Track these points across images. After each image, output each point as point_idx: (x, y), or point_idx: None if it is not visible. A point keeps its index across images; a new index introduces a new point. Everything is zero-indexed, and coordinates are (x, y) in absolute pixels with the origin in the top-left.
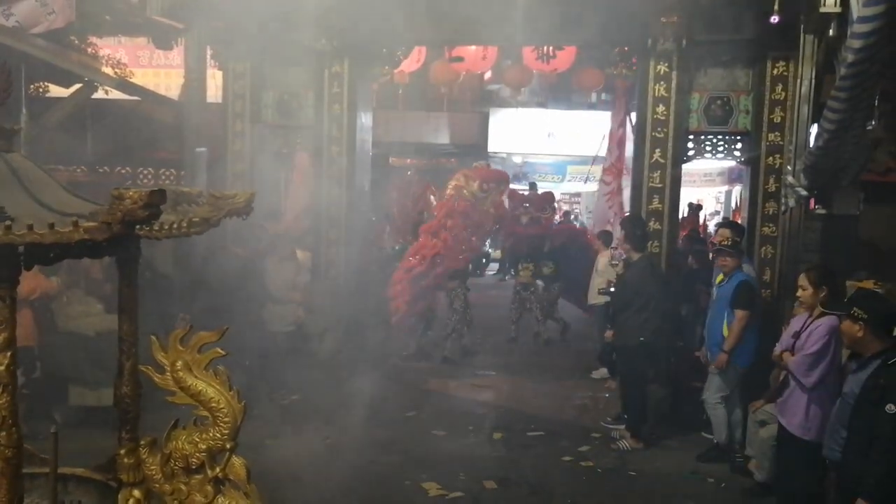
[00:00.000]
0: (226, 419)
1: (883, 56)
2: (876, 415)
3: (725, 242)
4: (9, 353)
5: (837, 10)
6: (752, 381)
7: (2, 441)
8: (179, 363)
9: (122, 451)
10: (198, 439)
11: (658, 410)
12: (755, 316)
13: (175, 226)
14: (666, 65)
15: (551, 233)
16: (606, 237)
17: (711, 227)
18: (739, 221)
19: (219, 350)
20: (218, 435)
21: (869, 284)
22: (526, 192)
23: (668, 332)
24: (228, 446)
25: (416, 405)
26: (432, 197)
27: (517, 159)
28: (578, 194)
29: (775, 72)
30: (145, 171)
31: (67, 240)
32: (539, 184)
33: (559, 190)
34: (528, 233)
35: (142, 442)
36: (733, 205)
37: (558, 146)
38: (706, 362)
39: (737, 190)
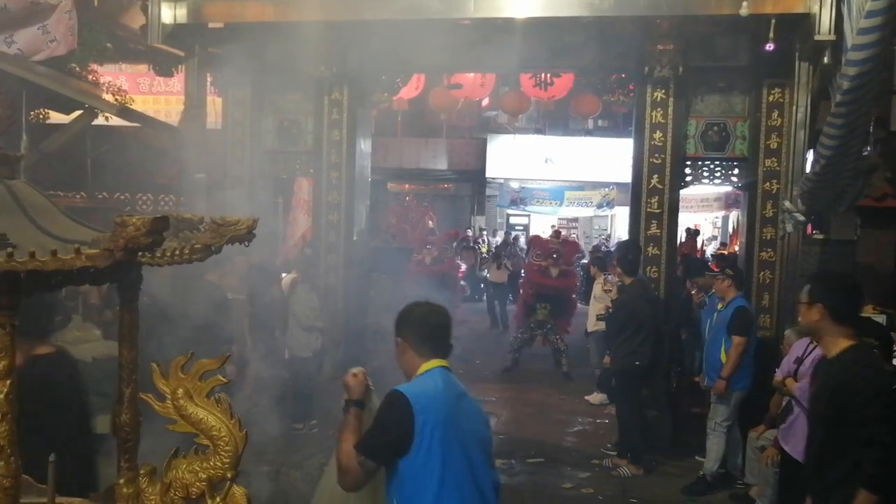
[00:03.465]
0: (227, 448)
1: (877, 83)
2: None
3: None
4: (8, 382)
5: (832, 37)
6: (750, 406)
7: (0, 471)
8: (180, 391)
9: (122, 481)
10: (198, 468)
11: (658, 436)
12: (752, 340)
13: (177, 252)
14: (663, 91)
15: (577, 287)
16: (601, 263)
17: (709, 253)
18: (737, 246)
19: (220, 377)
20: (219, 464)
21: (868, 309)
22: (552, 242)
23: (666, 356)
24: (229, 475)
25: None
26: (431, 223)
27: (515, 185)
28: (576, 219)
29: (771, 98)
30: (144, 197)
31: (69, 267)
32: (537, 209)
33: (557, 215)
34: (557, 285)
35: (141, 471)
36: (730, 229)
37: (556, 172)
38: (705, 388)
39: (734, 215)
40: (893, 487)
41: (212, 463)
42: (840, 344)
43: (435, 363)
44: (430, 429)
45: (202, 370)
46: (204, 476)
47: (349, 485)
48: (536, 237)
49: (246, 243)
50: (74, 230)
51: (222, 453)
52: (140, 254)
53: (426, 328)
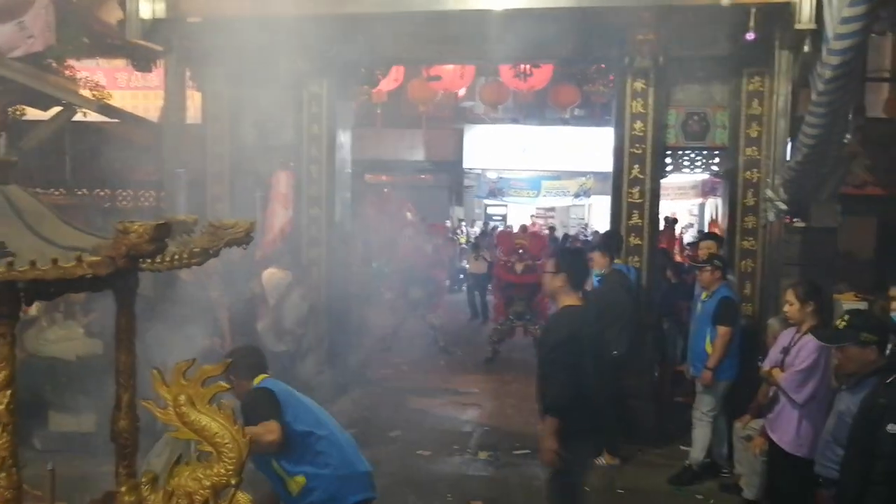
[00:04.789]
0: (231, 454)
1: (858, 72)
2: (876, 434)
3: (712, 252)
4: (8, 392)
5: (812, 26)
6: (735, 395)
7: (1, 483)
8: (182, 397)
9: (123, 489)
10: (202, 475)
11: (642, 426)
12: (737, 330)
13: (176, 257)
14: (643, 81)
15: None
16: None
17: (687, 240)
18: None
19: (223, 384)
20: (222, 471)
21: (849, 297)
22: (517, 237)
23: (649, 346)
24: (233, 482)
25: (400, 425)
26: (409, 214)
27: (492, 175)
28: (553, 209)
29: (751, 87)
30: (124, 193)
31: (71, 275)
32: (514, 199)
33: (534, 205)
34: (524, 281)
35: (143, 479)
36: (707, 217)
37: (533, 161)
38: (689, 377)
39: (710, 202)
40: (573, 413)
41: (215, 470)
42: (565, 302)
43: (262, 377)
44: (285, 397)
45: (204, 376)
46: (207, 483)
47: (277, 440)
48: (502, 233)
49: (244, 246)
50: (73, 236)
51: (226, 460)
52: (141, 260)
53: (253, 360)
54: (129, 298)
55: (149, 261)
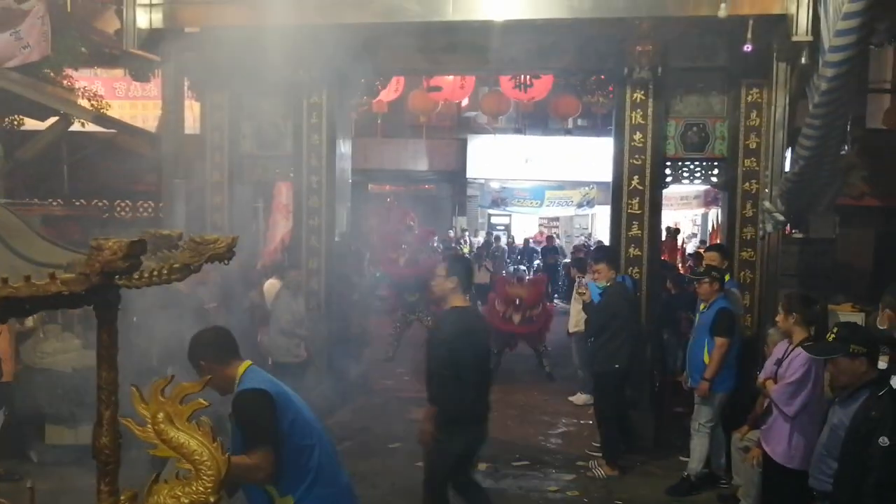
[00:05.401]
0: (209, 472)
1: (854, 83)
2: (868, 447)
3: (709, 264)
4: None
5: (809, 38)
6: (734, 406)
7: None
8: (161, 415)
9: None
10: (180, 493)
11: (641, 436)
12: (735, 342)
13: (156, 273)
14: (642, 92)
15: (547, 329)
16: (581, 264)
17: (689, 250)
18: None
19: (202, 401)
20: (201, 489)
21: (847, 308)
22: (514, 288)
23: (648, 357)
24: (212, 500)
25: (400, 436)
26: (412, 224)
27: (495, 185)
28: (557, 218)
29: (749, 98)
30: (122, 204)
31: (44, 293)
32: (517, 209)
33: (537, 215)
34: (520, 332)
35: (122, 497)
36: (710, 227)
37: (536, 171)
38: (688, 388)
39: (713, 212)
40: (454, 404)
41: (194, 488)
42: (454, 303)
43: (246, 364)
44: (282, 402)
45: (183, 393)
46: (186, 501)
47: (267, 476)
48: (500, 279)
49: (226, 262)
50: (49, 252)
51: (204, 478)
52: (117, 276)
53: (221, 342)
54: (109, 314)
55: (125, 277)
